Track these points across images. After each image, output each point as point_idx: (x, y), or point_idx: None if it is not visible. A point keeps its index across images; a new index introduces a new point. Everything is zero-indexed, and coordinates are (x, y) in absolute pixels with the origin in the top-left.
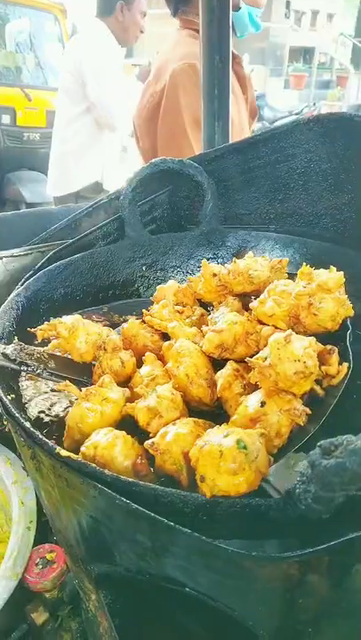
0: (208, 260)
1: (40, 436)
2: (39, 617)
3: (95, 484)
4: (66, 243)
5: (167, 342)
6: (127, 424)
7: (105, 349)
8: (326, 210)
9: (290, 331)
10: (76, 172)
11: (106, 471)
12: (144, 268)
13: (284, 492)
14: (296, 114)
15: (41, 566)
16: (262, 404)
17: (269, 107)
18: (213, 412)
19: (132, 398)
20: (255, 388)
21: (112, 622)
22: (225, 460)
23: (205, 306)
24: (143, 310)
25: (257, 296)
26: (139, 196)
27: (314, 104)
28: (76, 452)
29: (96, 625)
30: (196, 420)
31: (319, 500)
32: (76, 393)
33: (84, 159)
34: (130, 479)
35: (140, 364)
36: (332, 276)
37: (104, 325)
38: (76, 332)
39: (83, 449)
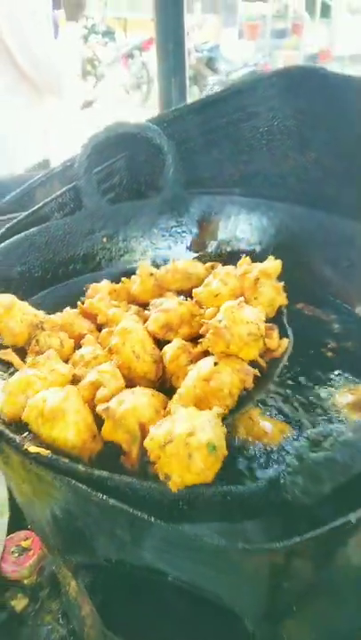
0: (172, 228)
1: (6, 431)
2: (19, 603)
3: (69, 480)
4: (20, 216)
5: (105, 329)
6: None
7: (43, 328)
8: (292, 170)
9: (242, 298)
10: (17, 151)
11: (80, 466)
12: (105, 240)
13: (267, 480)
14: (253, 65)
15: (17, 554)
16: (215, 363)
17: (224, 58)
18: (157, 389)
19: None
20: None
21: (94, 606)
22: (194, 462)
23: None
24: (78, 304)
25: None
26: (94, 162)
27: (270, 54)
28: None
29: (77, 608)
30: (153, 390)
31: (307, 492)
32: (19, 363)
33: (23, 136)
34: (104, 473)
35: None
36: (272, 264)
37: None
38: (12, 311)
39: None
